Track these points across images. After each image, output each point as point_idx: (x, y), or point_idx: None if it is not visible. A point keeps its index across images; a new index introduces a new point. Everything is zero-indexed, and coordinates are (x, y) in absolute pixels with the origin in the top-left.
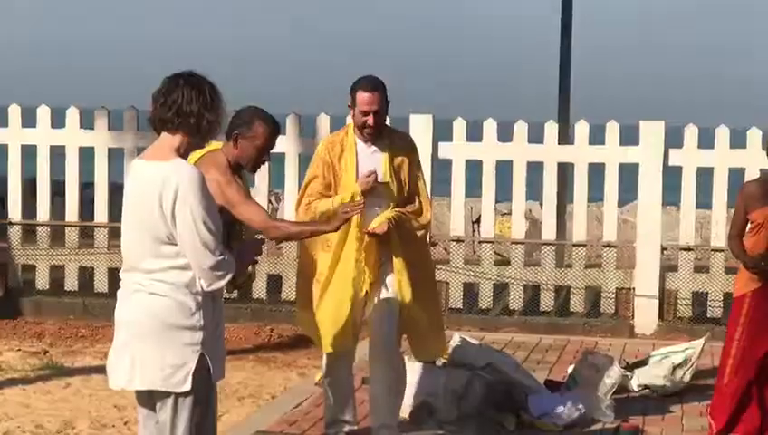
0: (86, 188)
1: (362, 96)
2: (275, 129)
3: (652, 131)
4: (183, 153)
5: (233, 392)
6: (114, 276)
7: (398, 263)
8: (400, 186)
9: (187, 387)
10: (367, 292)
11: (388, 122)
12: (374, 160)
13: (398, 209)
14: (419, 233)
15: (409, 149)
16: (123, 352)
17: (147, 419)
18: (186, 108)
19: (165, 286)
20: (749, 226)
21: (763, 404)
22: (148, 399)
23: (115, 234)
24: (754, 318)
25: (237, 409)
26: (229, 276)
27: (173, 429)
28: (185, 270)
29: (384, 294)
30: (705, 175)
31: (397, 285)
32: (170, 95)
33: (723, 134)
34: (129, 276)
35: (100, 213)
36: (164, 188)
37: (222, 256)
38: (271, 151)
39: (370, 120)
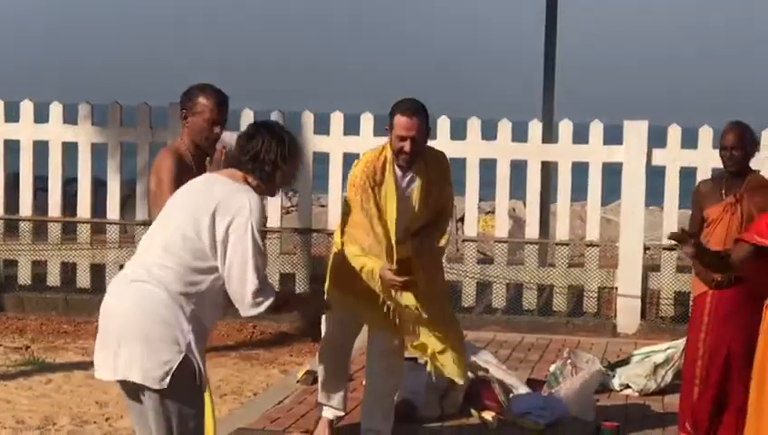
0: (69, 183)
1: (401, 120)
2: (221, 99)
3: (636, 131)
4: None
5: (215, 389)
6: (96, 272)
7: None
8: (430, 210)
9: (165, 385)
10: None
11: (372, 123)
12: (410, 188)
13: (421, 238)
14: (439, 251)
15: (444, 170)
16: (111, 341)
17: (130, 408)
18: (263, 156)
19: (167, 281)
20: (705, 224)
21: (733, 406)
22: (133, 391)
23: (98, 229)
24: (716, 317)
25: (219, 406)
26: (267, 304)
27: (152, 423)
28: (197, 275)
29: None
30: (688, 175)
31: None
32: (250, 141)
33: (706, 134)
34: (135, 265)
35: (83, 208)
36: (228, 202)
37: (264, 286)
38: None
39: (407, 146)
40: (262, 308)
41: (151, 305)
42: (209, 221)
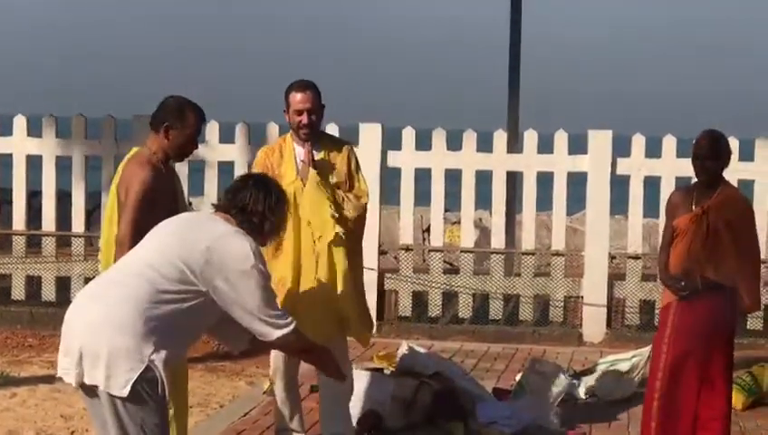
0: (33, 196)
1: (295, 96)
2: (203, 116)
3: (600, 140)
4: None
5: (197, 403)
6: (62, 285)
7: (337, 254)
8: (342, 184)
9: (125, 393)
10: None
11: (336, 133)
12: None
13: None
14: (355, 210)
15: (347, 150)
16: (74, 345)
17: (93, 417)
18: (251, 208)
19: (139, 294)
20: (674, 234)
21: (694, 419)
22: (94, 394)
23: (63, 242)
24: (680, 328)
25: (200, 418)
26: (290, 328)
27: (111, 430)
28: (171, 292)
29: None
30: (652, 184)
31: (339, 281)
32: (238, 194)
33: (669, 144)
34: (109, 276)
35: (48, 221)
36: (224, 240)
37: (280, 312)
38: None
39: (305, 118)
40: (286, 331)
41: (118, 314)
42: (201, 255)
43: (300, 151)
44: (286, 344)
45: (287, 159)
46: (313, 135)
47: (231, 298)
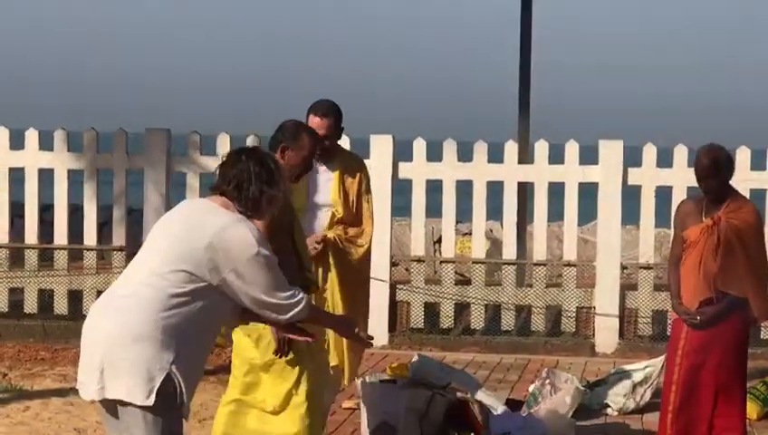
0: (45, 210)
1: (313, 120)
2: (318, 139)
3: (611, 150)
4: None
5: (193, 414)
6: (74, 299)
7: (332, 280)
8: (348, 206)
9: (150, 402)
10: None
11: (348, 146)
12: (326, 179)
13: (339, 233)
14: (357, 255)
15: (360, 171)
16: (95, 360)
17: (111, 430)
18: (246, 184)
19: (157, 295)
20: (684, 245)
21: (709, 429)
22: (113, 407)
23: (75, 256)
24: (693, 339)
25: (198, 431)
26: (302, 305)
27: None
28: (182, 295)
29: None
30: (663, 194)
31: (330, 300)
32: (231, 169)
33: (681, 153)
34: (118, 285)
35: (60, 235)
36: (224, 243)
37: (290, 290)
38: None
39: (320, 142)
40: (297, 310)
41: (135, 325)
42: (204, 253)
43: (316, 167)
44: (302, 320)
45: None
46: (327, 158)
47: (241, 289)
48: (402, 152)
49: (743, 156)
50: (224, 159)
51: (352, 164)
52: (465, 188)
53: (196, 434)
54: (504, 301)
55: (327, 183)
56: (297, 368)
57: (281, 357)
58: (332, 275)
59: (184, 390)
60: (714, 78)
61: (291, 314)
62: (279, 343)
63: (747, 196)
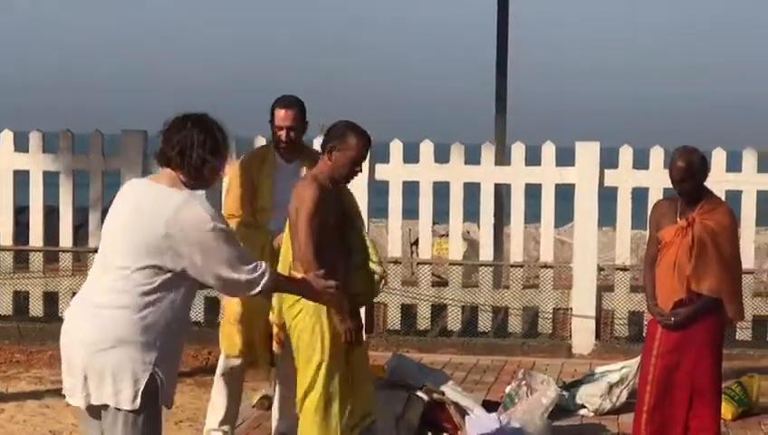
0: (20, 212)
1: (278, 112)
2: (367, 141)
3: (588, 152)
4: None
5: (171, 415)
6: (50, 301)
7: None
8: None
9: (136, 405)
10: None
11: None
12: (292, 176)
13: None
14: None
15: None
16: (76, 368)
17: (92, 429)
18: (189, 151)
19: (127, 300)
20: (659, 245)
21: (684, 430)
22: (97, 411)
23: (50, 258)
24: (668, 340)
25: (175, 433)
26: (267, 277)
27: None
28: (152, 289)
29: None
30: (640, 196)
31: None
32: (176, 135)
33: (657, 155)
34: (91, 290)
35: (35, 237)
36: (178, 225)
37: (252, 264)
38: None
39: (284, 135)
40: (262, 283)
41: (113, 328)
42: (162, 242)
43: (281, 163)
44: (270, 291)
45: (267, 173)
46: (292, 151)
47: (206, 268)
48: (379, 154)
49: (718, 157)
50: (167, 124)
51: (318, 159)
52: (441, 190)
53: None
54: (481, 302)
55: (293, 179)
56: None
57: (349, 345)
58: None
59: (167, 388)
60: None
61: (259, 287)
62: (346, 334)
63: (723, 197)
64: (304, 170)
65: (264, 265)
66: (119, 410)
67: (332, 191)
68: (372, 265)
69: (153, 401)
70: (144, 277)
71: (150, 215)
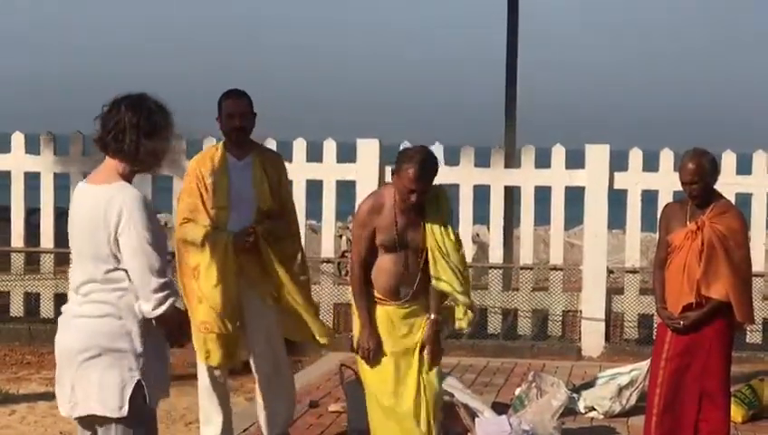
0: (32, 213)
1: (227, 102)
2: (420, 174)
3: (597, 155)
4: (127, 177)
5: (180, 417)
6: (60, 302)
7: (269, 267)
8: (272, 196)
9: (124, 412)
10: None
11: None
12: (246, 173)
13: (268, 227)
14: (293, 248)
15: (280, 163)
16: (65, 377)
17: None
18: (122, 135)
19: (106, 308)
20: (669, 248)
21: (694, 433)
22: (90, 424)
23: (61, 260)
24: (678, 343)
25: (183, 433)
26: (171, 301)
27: None
28: (126, 294)
29: (260, 312)
30: (649, 198)
31: (269, 294)
32: (111, 118)
33: (667, 157)
34: (72, 300)
35: (46, 239)
36: (107, 210)
37: (166, 280)
38: (419, 186)
39: (237, 121)
40: (166, 306)
41: (94, 337)
42: (113, 242)
43: (233, 161)
44: (165, 320)
45: (220, 171)
46: (243, 145)
47: (126, 264)
48: (388, 156)
49: (728, 160)
50: (105, 107)
51: (270, 154)
52: (452, 192)
53: None
54: (491, 304)
55: (247, 176)
56: None
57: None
58: (268, 267)
59: (149, 393)
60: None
61: (160, 311)
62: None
63: (732, 200)
64: (257, 166)
65: (173, 289)
66: (110, 418)
67: (396, 210)
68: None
69: (142, 406)
70: (114, 283)
71: (95, 220)
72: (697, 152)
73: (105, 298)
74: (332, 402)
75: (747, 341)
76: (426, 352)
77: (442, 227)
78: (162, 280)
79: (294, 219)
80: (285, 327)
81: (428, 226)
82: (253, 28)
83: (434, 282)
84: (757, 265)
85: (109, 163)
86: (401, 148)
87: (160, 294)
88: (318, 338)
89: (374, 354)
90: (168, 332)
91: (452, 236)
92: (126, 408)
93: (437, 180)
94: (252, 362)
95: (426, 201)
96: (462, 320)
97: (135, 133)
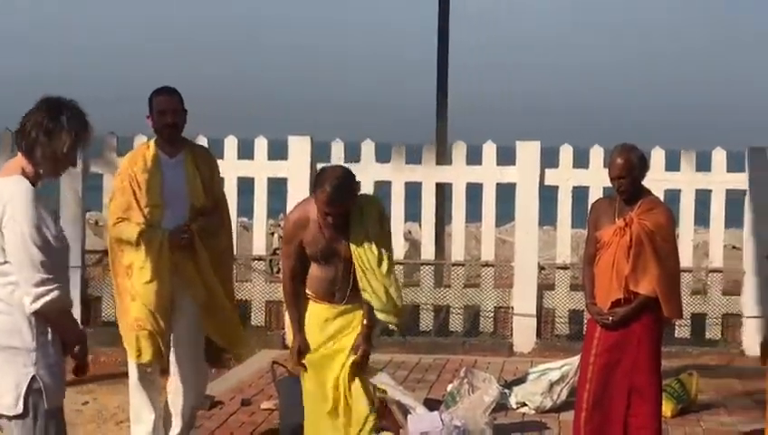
0: None
1: (158, 99)
2: (333, 198)
3: (528, 151)
4: (31, 175)
5: (111, 416)
6: None
7: (203, 266)
8: (205, 193)
9: (19, 410)
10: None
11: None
12: (178, 170)
13: (202, 225)
14: (225, 244)
15: (212, 160)
16: None
17: None
18: (27, 131)
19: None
20: (598, 245)
21: (624, 427)
22: None
23: None
24: (607, 338)
25: (115, 433)
26: (53, 295)
27: None
28: (17, 288)
29: (189, 310)
30: (580, 194)
31: (201, 293)
32: (26, 116)
33: (597, 154)
34: None
35: None
36: (7, 219)
37: (49, 276)
38: (332, 210)
39: (169, 118)
40: (45, 300)
41: None
42: (1, 238)
43: (165, 158)
44: (48, 317)
45: (153, 169)
46: (175, 142)
47: (9, 255)
48: (320, 154)
49: (657, 156)
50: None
51: (201, 151)
52: (383, 190)
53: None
54: (423, 301)
55: (179, 173)
56: None
57: None
58: (202, 266)
59: (53, 389)
60: (629, 78)
61: (38, 305)
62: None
63: (662, 196)
64: (189, 163)
65: (56, 284)
66: (7, 417)
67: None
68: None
69: (40, 403)
70: (3, 277)
71: None
72: (626, 148)
73: (4, 292)
74: (265, 400)
75: (676, 336)
76: (358, 352)
77: (365, 241)
78: (44, 275)
79: (227, 216)
80: (209, 327)
81: (352, 238)
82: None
83: (362, 292)
84: (686, 261)
85: (17, 159)
86: (332, 146)
87: (41, 289)
88: (234, 347)
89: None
90: (61, 334)
91: (374, 250)
92: (21, 405)
93: (369, 179)
94: (172, 356)
95: (351, 212)
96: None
97: (36, 132)
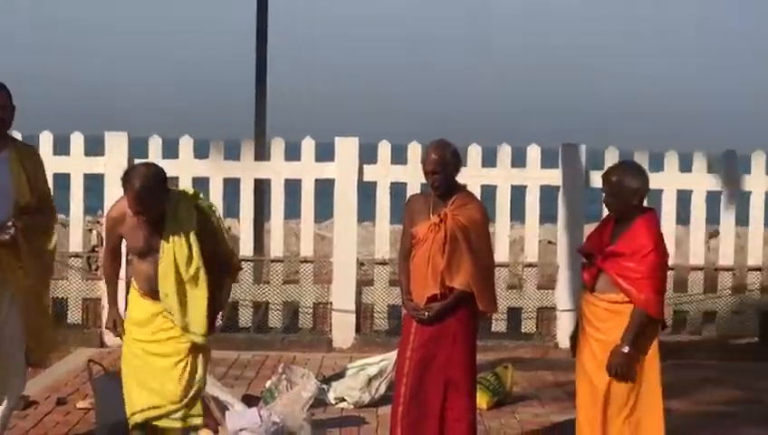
0: None
1: None
2: (138, 199)
3: (347, 148)
4: None
5: None
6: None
7: (25, 264)
8: (32, 191)
9: None
10: None
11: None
12: (3, 167)
13: (28, 223)
14: (50, 243)
15: (37, 158)
16: None
17: None
18: None
19: None
20: (413, 241)
21: (440, 420)
22: None
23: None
24: (423, 333)
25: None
26: None
27: None
28: None
29: (8, 308)
30: (398, 191)
31: (22, 291)
32: None
33: (414, 150)
34: None
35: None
36: None
37: None
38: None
39: None
40: None
41: None
42: None
43: None
44: None
45: None
46: (3, 135)
47: None
48: (137, 150)
49: (474, 153)
50: None
51: (26, 149)
52: (201, 186)
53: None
54: (242, 297)
55: (4, 170)
56: None
57: None
58: (25, 264)
59: None
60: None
61: None
62: None
63: (478, 192)
64: (14, 161)
65: None
66: None
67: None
68: None
69: None
70: None
71: None
72: (441, 144)
73: None
74: (80, 399)
75: (493, 329)
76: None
77: (176, 238)
78: None
79: (53, 214)
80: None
81: (164, 236)
82: None
83: (162, 299)
84: (502, 256)
85: None
86: (149, 142)
87: None
88: (42, 350)
89: (121, 329)
90: None
91: (185, 249)
92: None
93: (187, 176)
94: None
95: (166, 209)
96: None
97: None
